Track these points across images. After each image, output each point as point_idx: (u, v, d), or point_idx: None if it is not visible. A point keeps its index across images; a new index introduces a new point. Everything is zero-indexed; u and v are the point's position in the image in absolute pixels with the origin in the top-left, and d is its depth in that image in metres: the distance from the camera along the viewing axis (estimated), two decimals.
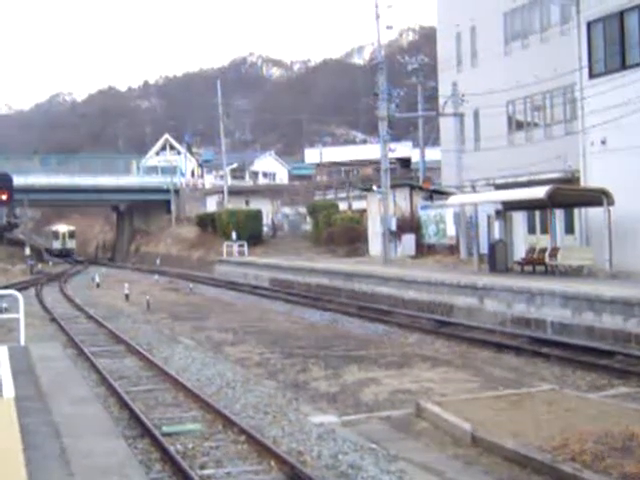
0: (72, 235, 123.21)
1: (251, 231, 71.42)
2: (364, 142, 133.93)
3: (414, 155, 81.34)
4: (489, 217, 38.83)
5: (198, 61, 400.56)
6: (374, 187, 56.32)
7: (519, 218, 40.44)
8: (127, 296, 44.26)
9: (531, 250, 36.04)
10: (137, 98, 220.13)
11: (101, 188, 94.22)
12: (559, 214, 37.20)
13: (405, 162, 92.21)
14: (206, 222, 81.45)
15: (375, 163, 70.86)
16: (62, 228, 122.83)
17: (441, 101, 52.29)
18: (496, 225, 38.98)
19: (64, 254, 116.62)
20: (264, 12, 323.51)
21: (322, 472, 12.16)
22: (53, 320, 35.00)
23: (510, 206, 37.63)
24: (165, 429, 14.94)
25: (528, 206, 37.37)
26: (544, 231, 37.93)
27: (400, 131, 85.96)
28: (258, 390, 18.40)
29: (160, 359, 23.00)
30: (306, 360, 22.36)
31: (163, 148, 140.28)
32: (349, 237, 60.08)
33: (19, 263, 75.66)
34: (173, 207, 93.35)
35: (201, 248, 77.22)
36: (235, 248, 67.00)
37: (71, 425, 11.36)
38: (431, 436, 13.95)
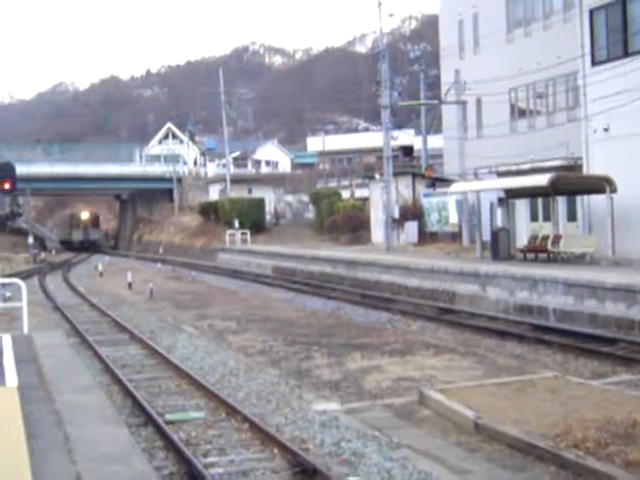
0: (96, 223, 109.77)
1: (254, 219, 71.49)
2: (366, 130, 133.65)
3: (416, 143, 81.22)
4: (492, 204, 38.76)
5: (200, 50, 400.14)
6: (376, 175, 56.33)
7: (522, 206, 40.44)
8: (130, 284, 44.30)
9: (534, 238, 36.04)
10: (140, 87, 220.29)
11: (104, 177, 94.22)
12: (562, 201, 37.18)
13: (407, 150, 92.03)
14: (209, 210, 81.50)
15: (377, 151, 70.83)
16: (84, 214, 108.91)
17: (443, 89, 52.27)
18: (499, 213, 38.91)
19: (87, 247, 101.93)
20: (266, 0, 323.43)
21: (325, 459, 12.18)
22: (56, 309, 35.05)
23: (513, 194, 37.59)
24: (168, 417, 14.97)
25: (531, 193, 37.36)
26: (547, 218, 37.92)
27: (402, 119, 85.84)
28: (261, 378, 18.41)
29: (163, 347, 23.01)
30: (309, 348, 22.38)
31: (166, 137, 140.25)
32: (352, 225, 60.09)
33: (22, 252, 75.68)
34: (176, 196, 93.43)
35: (204, 236, 77.23)
36: (238, 236, 67.02)
37: (74, 413, 11.37)
38: (434, 423, 13.96)
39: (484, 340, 23.46)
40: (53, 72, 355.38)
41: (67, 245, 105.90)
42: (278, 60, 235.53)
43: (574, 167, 37.61)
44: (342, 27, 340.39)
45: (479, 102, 50.18)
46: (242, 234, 67.11)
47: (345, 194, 74.30)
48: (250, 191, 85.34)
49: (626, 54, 33.38)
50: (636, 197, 32.15)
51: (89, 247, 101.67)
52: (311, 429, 13.96)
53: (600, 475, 10.48)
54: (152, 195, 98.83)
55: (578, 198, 36.86)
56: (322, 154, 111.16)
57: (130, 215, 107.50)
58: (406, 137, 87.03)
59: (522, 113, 48.59)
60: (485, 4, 51.28)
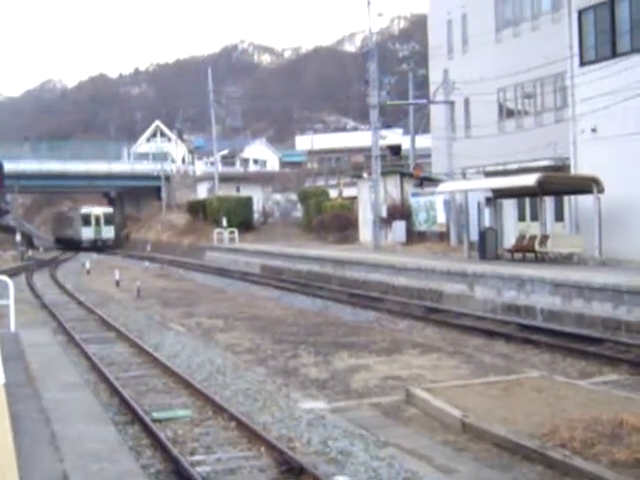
0: (110, 220, 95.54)
1: (242, 218, 71.46)
2: (355, 129, 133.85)
3: (405, 142, 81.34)
4: (479, 204, 38.82)
5: (189, 48, 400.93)
6: (365, 174, 56.35)
7: (509, 205, 40.52)
8: (118, 282, 44.22)
9: (521, 237, 36.09)
10: (128, 85, 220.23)
11: (92, 174, 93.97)
12: (549, 202, 37.25)
13: (396, 149, 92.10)
14: (197, 209, 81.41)
15: (366, 150, 70.88)
16: (96, 210, 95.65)
17: (432, 88, 52.28)
18: (486, 212, 39.00)
19: (100, 247, 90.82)
20: None
21: (312, 458, 12.17)
22: (44, 306, 34.96)
23: (500, 193, 37.65)
24: (155, 415, 14.94)
25: (518, 193, 37.42)
26: (534, 218, 37.99)
27: (391, 118, 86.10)
28: (248, 376, 18.40)
29: (150, 345, 22.96)
30: (296, 346, 22.37)
31: (154, 135, 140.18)
32: (340, 224, 60.08)
33: (9, 249, 75.52)
34: (164, 194, 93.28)
35: (192, 235, 77.15)
36: (226, 235, 66.95)
37: (61, 411, 11.38)
38: (421, 422, 13.98)
39: (471, 339, 23.48)
40: (41, 69, 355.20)
41: (71, 245, 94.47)
42: (267, 59, 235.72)
43: (562, 167, 37.70)
44: (331, 26, 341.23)
45: (467, 102, 50.23)
46: (230, 232, 67.02)
47: (333, 193, 74.32)
48: (238, 189, 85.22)
49: (614, 54, 33.45)
50: (623, 197, 32.23)
51: (102, 248, 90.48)
52: (298, 428, 13.96)
53: (587, 475, 10.50)
54: (140, 193, 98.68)
55: (565, 198, 36.94)
56: (310, 153, 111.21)
57: (118, 213, 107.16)
58: (394, 136, 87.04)
59: (510, 113, 48.65)
60: (474, 4, 51.33)
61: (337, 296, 35.74)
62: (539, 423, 12.52)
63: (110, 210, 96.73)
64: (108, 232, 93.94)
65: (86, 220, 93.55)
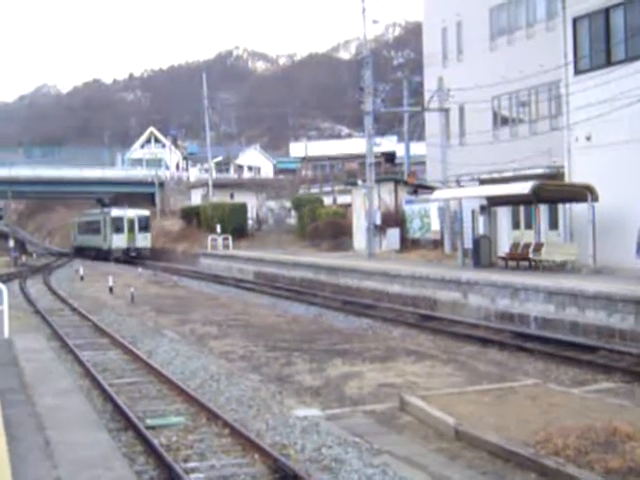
0: (146, 225, 79.77)
1: (236, 225, 71.43)
2: (349, 136, 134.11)
3: (399, 150, 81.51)
4: (473, 212, 38.84)
5: (184, 54, 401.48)
6: (359, 181, 56.37)
7: (503, 213, 40.51)
8: (111, 289, 44.11)
9: (515, 245, 36.11)
10: (122, 90, 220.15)
11: (86, 180, 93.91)
12: (543, 209, 37.28)
13: (390, 156, 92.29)
14: (191, 215, 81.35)
15: (360, 157, 70.96)
16: (130, 213, 79.67)
17: (426, 96, 52.31)
18: (480, 220, 39.01)
19: (133, 257, 76.40)
20: (250, 5, 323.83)
21: (306, 465, 12.16)
22: (37, 312, 34.87)
23: (495, 201, 37.67)
24: (149, 422, 14.92)
25: (513, 201, 37.44)
26: (528, 226, 38.01)
27: (385, 125, 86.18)
28: (242, 383, 18.37)
29: (144, 352, 22.93)
30: (290, 354, 22.35)
31: (148, 141, 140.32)
32: (334, 231, 60.06)
33: (3, 255, 75.34)
34: (158, 200, 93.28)
35: (185, 241, 77.08)
36: (220, 241, 66.93)
37: (55, 417, 11.35)
38: (415, 430, 13.97)
39: (465, 347, 23.49)
40: (35, 74, 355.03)
41: (97, 256, 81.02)
42: (261, 65, 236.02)
43: (556, 175, 37.74)
44: (326, 33, 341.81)
45: (462, 110, 50.31)
46: (224, 239, 67.01)
47: (327, 200, 74.35)
48: (232, 196, 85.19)
49: (609, 63, 33.52)
50: (617, 206, 32.28)
51: (135, 258, 75.91)
52: (292, 435, 13.94)
53: None
54: (134, 199, 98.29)
55: (560, 206, 36.97)
56: (304, 160, 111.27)
57: None
58: (389, 144, 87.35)
59: (505, 121, 48.73)
60: (469, 12, 51.43)
61: (331, 303, 35.74)
62: (533, 431, 12.52)
63: (146, 213, 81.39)
64: (144, 240, 78.94)
65: (118, 226, 78.90)
